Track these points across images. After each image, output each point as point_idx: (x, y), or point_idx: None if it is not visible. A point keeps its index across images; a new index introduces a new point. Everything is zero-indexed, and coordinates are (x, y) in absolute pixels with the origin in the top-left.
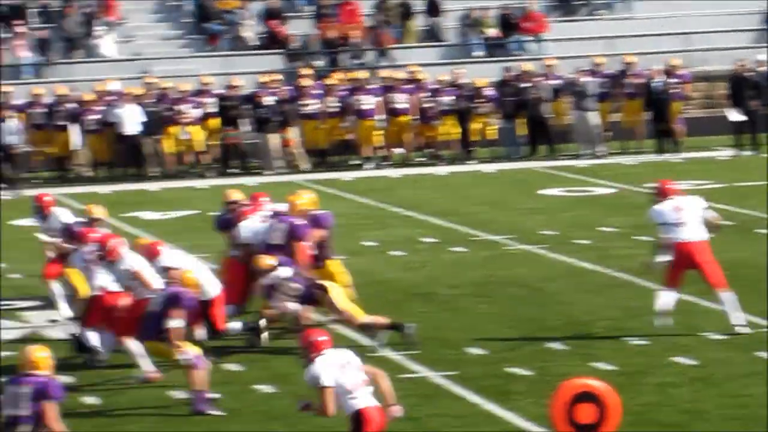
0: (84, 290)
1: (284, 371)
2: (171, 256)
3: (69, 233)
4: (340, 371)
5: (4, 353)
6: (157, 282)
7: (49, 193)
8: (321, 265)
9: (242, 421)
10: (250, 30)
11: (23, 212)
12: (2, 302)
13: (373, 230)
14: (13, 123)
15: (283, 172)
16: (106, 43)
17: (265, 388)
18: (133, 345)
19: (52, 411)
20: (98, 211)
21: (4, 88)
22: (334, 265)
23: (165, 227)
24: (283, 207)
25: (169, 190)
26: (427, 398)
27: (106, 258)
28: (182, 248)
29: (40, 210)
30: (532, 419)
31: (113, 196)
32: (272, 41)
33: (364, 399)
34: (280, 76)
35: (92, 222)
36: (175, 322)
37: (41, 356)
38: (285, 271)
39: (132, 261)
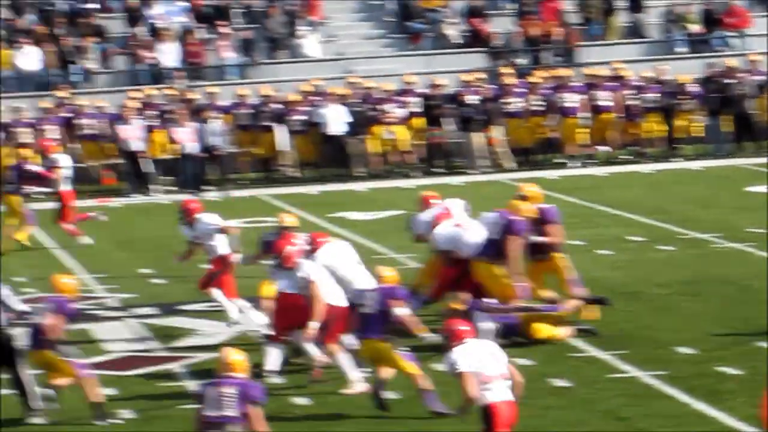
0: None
1: None
2: (328, 254)
3: (265, 246)
4: (479, 361)
5: (209, 355)
6: (361, 282)
7: (196, 199)
8: (546, 258)
9: (448, 423)
10: (453, 28)
11: (231, 213)
12: (208, 304)
13: (580, 229)
14: (217, 124)
15: (487, 171)
16: (310, 43)
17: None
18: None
19: (257, 413)
20: (290, 221)
21: (209, 89)
22: (560, 258)
23: (371, 227)
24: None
25: (375, 190)
26: (636, 398)
27: (284, 265)
28: (388, 249)
29: (186, 216)
30: (743, 419)
31: (319, 197)
32: (475, 39)
33: (497, 393)
34: (483, 75)
35: (284, 231)
36: (402, 310)
37: (238, 359)
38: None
39: (308, 269)
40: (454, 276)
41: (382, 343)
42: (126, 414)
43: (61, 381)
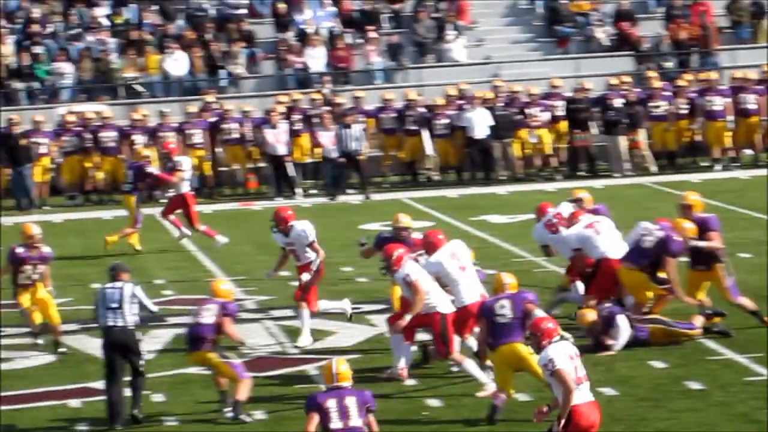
0: (397, 304)
1: (627, 374)
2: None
3: (378, 243)
4: (570, 361)
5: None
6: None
7: (290, 207)
8: (707, 268)
9: None
10: (601, 32)
11: (372, 216)
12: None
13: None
14: (357, 129)
15: (630, 175)
16: (457, 47)
17: (608, 391)
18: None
19: (373, 420)
20: (404, 221)
21: (356, 93)
22: (720, 267)
23: (512, 231)
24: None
25: (517, 194)
26: None
27: (392, 269)
28: (528, 252)
29: (280, 224)
30: None
31: (460, 200)
32: (623, 43)
33: (581, 395)
34: (629, 78)
35: (399, 231)
36: (539, 312)
37: (346, 369)
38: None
39: (409, 269)
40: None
41: (521, 347)
42: (258, 414)
43: (222, 380)
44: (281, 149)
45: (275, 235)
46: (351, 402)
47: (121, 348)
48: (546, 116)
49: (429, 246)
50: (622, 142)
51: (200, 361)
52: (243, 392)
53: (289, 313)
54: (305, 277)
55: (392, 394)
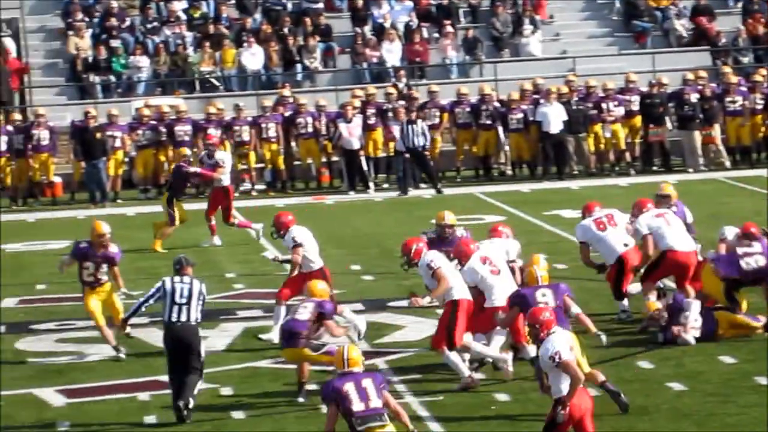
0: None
1: (696, 369)
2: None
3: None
4: (570, 351)
5: (413, 351)
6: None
7: (291, 212)
8: None
9: (651, 419)
10: (679, 27)
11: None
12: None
13: None
14: (422, 124)
15: (704, 170)
16: (533, 42)
17: (676, 386)
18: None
19: (391, 397)
20: (449, 218)
21: (432, 87)
22: None
23: None
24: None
25: (590, 188)
26: None
27: (412, 262)
28: None
29: (281, 229)
30: None
31: (533, 195)
32: (700, 38)
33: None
34: (705, 73)
35: (443, 229)
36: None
37: (358, 355)
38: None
39: (432, 257)
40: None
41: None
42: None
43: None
44: (355, 143)
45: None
46: (368, 383)
47: (182, 344)
48: (621, 111)
49: (461, 255)
50: (697, 137)
51: (295, 357)
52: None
53: (359, 306)
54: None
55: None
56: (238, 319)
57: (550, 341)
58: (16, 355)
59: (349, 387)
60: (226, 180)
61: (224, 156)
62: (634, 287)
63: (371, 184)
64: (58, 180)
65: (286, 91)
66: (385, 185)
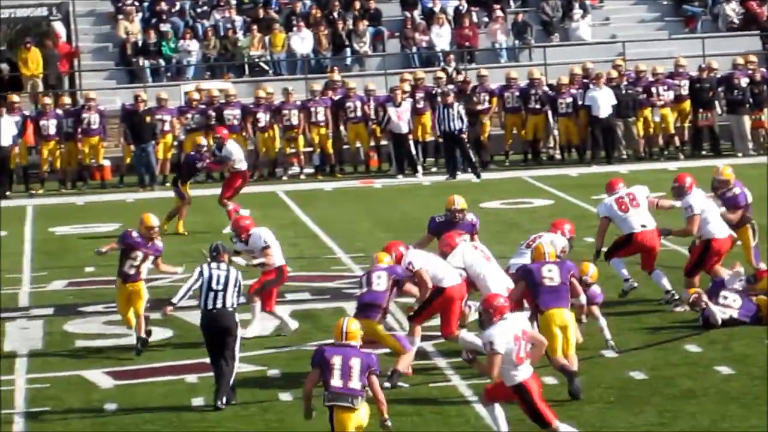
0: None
1: (744, 352)
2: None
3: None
4: (514, 341)
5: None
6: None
7: (248, 215)
8: None
9: (698, 402)
10: (730, 11)
11: (493, 195)
12: None
13: None
14: (458, 109)
15: (753, 154)
16: (583, 26)
17: (724, 369)
18: None
19: (376, 382)
20: (459, 203)
21: (481, 72)
22: None
23: None
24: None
25: (639, 173)
26: None
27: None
28: None
29: (240, 233)
30: None
31: (582, 179)
32: (750, 22)
33: (524, 372)
34: (755, 58)
35: (454, 214)
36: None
37: (356, 328)
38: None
39: (411, 257)
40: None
41: (569, 313)
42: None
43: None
44: (404, 127)
45: (235, 244)
46: (355, 363)
47: (219, 330)
48: (670, 95)
49: (445, 247)
50: (746, 121)
51: (367, 331)
52: (404, 363)
53: None
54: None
55: None
56: (286, 302)
57: (493, 329)
58: (64, 337)
59: (336, 360)
60: (243, 165)
61: (232, 148)
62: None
63: (419, 168)
64: (107, 163)
65: (336, 75)
66: (434, 169)
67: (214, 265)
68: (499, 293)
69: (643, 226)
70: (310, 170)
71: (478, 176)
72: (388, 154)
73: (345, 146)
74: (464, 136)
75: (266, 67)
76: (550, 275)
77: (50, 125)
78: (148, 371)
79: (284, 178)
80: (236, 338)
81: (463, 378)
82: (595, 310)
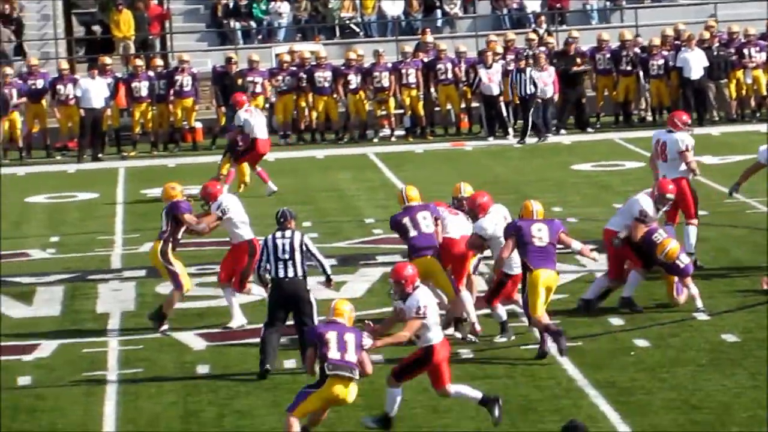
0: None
1: None
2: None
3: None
4: (434, 308)
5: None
6: None
7: (217, 182)
8: None
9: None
10: None
11: (583, 157)
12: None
13: None
14: (528, 73)
15: None
16: None
17: None
18: None
19: (367, 357)
20: (467, 190)
21: (572, 33)
22: None
23: (725, 172)
24: None
25: (731, 135)
26: None
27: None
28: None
29: (209, 200)
30: None
31: None
32: None
33: (437, 335)
34: None
35: (460, 202)
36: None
37: (348, 308)
38: None
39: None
40: None
41: (555, 275)
42: (465, 353)
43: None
44: (495, 89)
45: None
46: (350, 338)
47: (291, 300)
48: (762, 57)
49: (477, 208)
50: None
51: (425, 269)
52: (458, 309)
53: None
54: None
55: (599, 334)
56: (377, 264)
57: (418, 295)
58: (156, 299)
59: (332, 335)
60: (260, 133)
61: (245, 116)
62: None
63: (510, 130)
64: (198, 125)
65: (429, 37)
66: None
67: (278, 233)
68: (405, 263)
69: None
70: (400, 132)
71: (522, 142)
72: (478, 116)
73: (436, 108)
74: (538, 100)
75: (357, 29)
76: (539, 234)
77: (142, 87)
78: (241, 333)
79: (375, 140)
80: (311, 305)
81: (554, 341)
82: (688, 281)
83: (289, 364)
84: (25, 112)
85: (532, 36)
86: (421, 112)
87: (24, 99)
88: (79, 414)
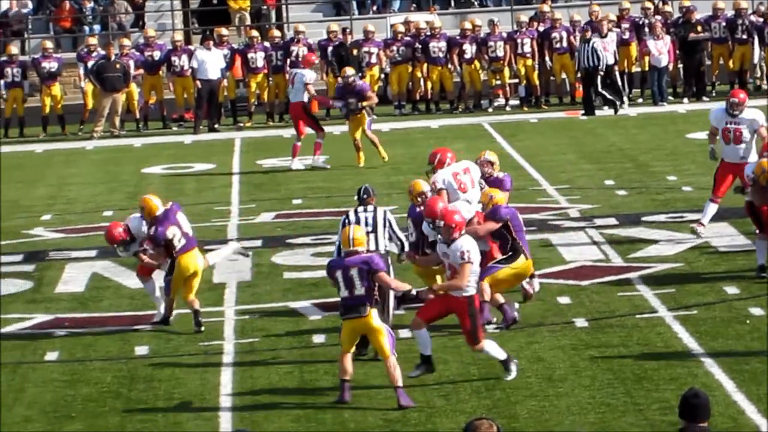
0: None
1: None
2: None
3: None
4: (476, 252)
5: (668, 265)
6: None
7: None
8: None
9: None
10: None
11: (698, 126)
12: (671, 215)
13: None
14: (590, 45)
15: None
16: None
17: None
18: None
19: (383, 277)
20: (490, 157)
21: (683, 2)
22: None
23: None
24: None
25: None
26: None
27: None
28: None
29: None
30: None
31: None
32: None
33: (474, 285)
34: None
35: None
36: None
37: (362, 235)
38: None
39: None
40: None
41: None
42: (580, 322)
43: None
44: (610, 58)
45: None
46: (354, 272)
47: None
48: None
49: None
50: None
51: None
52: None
53: (612, 221)
54: None
55: (715, 302)
56: None
57: (463, 240)
58: (272, 268)
59: (339, 274)
60: (298, 96)
61: (305, 73)
62: None
63: (625, 99)
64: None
65: (546, 7)
66: (639, 100)
67: (360, 208)
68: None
69: None
70: (515, 102)
71: (616, 111)
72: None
73: (551, 77)
74: (601, 72)
75: None
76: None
77: (258, 58)
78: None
79: (489, 109)
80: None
81: (670, 309)
82: None
83: (404, 333)
84: (142, 84)
85: (648, 4)
86: (536, 81)
87: (141, 71)
88: (196, 383)
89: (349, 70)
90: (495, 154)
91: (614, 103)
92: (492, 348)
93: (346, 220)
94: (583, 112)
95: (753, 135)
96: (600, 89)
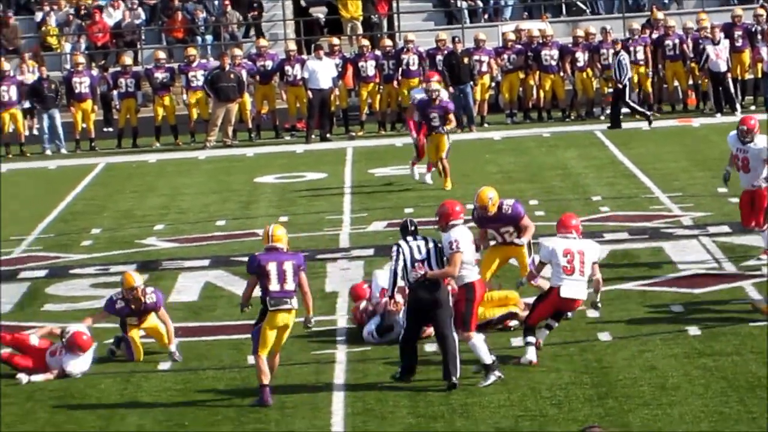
0: None
1: None
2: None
3: None
4: (469, 244)
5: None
6: None
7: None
8: None
9: None
10: None
11: None
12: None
13: None
14: (617, 58)
15: None
16: None
17: None
18: None
19: (304, 278)
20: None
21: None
22: None
23: None
24: None
25: None
26: None
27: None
28: None
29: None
30: None
31: None
32: None
33: (473, 273)
34: None
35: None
36: None
37: (282, 233)
38: None
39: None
40: None
41: None
42: (693, 330)
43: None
44: (722, 66)
45: None
46: (288, 267)
47: (430, 303)
48: None
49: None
50: None
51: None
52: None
53: (725, 229)
54: None
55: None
56: (604, 242)
57: (454, 230)
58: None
59: (272, 267)
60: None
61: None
62: None
63: (738, 107)
64: None
65: (659, 14)
66: (752, 107)
67: (409, 238)
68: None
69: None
70: (626, 110)
71: (650, 123)
72: (706, 92)
73: (664, 85)
74: (619, 85)
75: (584, 6)
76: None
77: (369, 67)
78: None
79: (602, 117)
80: (449, 311)
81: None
82: None
83: (516, 341)
84: (255, 93)
85: (760, 11)
86: (649, 88)
87: (253, 80)
88: (308, 391)
89: (435, 84)
90: (491, 190)
91: (646, 115)
92: (480, 346)
93: (398, 251)
94: (608, 125)
95: (763, 163)
96: (627, 100)
